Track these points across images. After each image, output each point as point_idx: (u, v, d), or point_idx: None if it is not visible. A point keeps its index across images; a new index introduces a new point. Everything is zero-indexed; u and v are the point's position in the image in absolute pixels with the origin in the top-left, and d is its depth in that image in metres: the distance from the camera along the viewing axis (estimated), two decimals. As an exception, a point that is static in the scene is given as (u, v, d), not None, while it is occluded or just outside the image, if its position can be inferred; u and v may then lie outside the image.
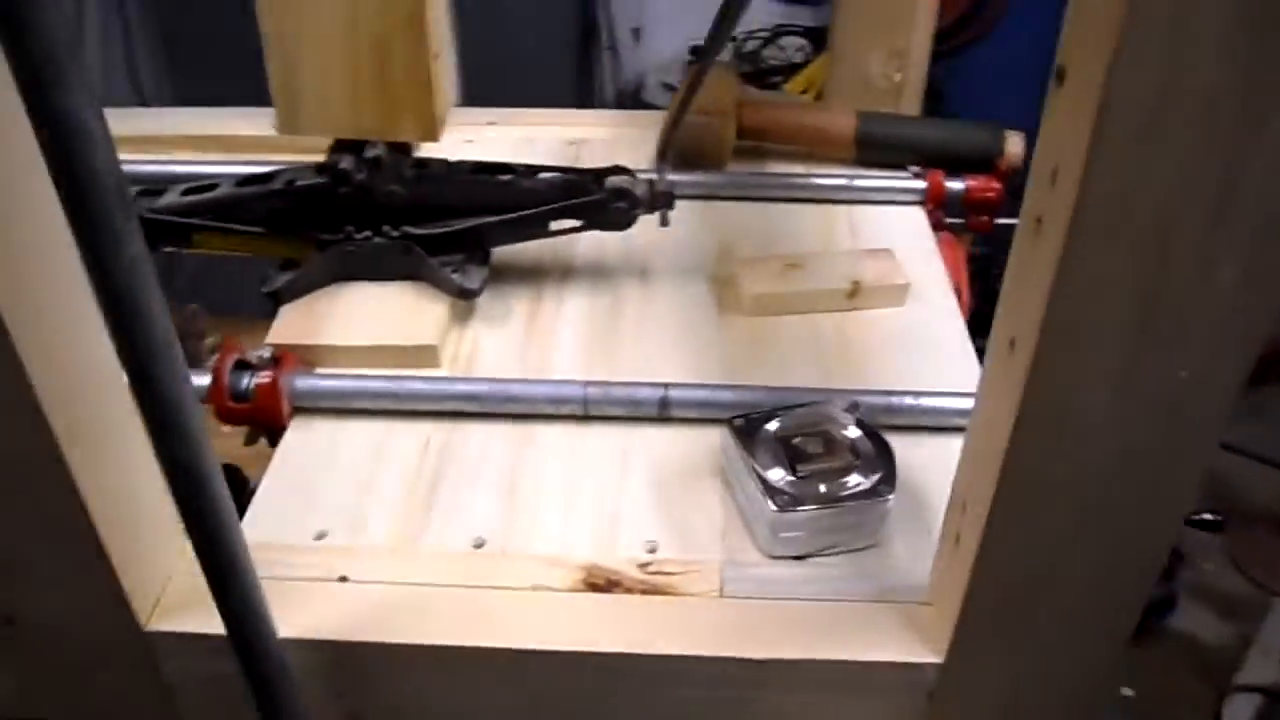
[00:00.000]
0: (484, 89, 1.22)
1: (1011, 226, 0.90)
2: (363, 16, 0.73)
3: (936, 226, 0.98)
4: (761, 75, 2.32)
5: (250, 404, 0.74)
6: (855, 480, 0.64)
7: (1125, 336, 0.46)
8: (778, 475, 0.64)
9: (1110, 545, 0.53)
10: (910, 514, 0.67)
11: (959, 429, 0.70)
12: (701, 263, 0.91)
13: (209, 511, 0.50)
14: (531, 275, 0.89)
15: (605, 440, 0.73)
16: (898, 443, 0.71)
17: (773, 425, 0.67)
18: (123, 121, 1.13)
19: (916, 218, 0.97)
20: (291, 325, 0.80)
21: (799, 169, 1.02)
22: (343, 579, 0.63)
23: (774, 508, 0.62)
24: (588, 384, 0.74)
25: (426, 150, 0.89)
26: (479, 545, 0.66)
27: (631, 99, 2.43)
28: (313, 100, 0.77)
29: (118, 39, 2.38)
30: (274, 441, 0.75)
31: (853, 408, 0.69)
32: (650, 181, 0.83)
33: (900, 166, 1.02)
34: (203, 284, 1.38)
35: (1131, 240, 0.43)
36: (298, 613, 0.61)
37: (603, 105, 2.48)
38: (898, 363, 0.80)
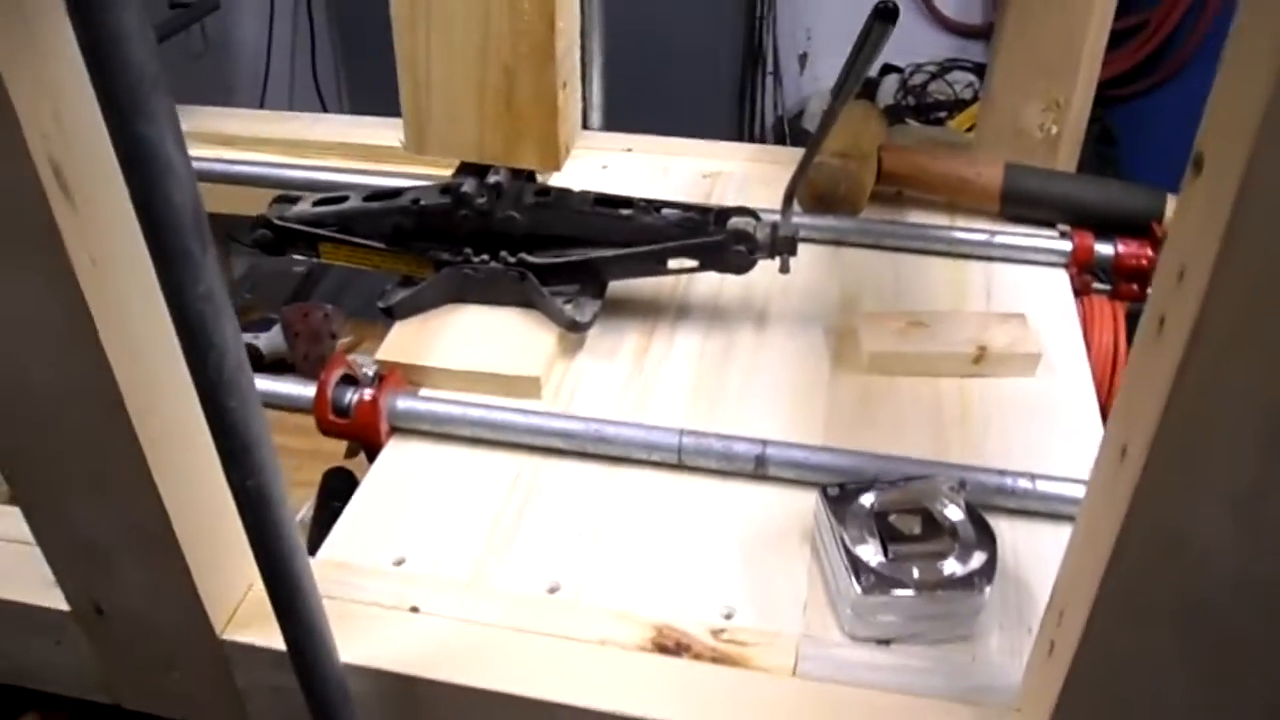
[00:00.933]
0: (642, 109, 1.21)
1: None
2: (493, 45, 0.73)
3: (1081, 291, 0.92)
4: (926, 110, 2.25)
5: (350, 420, 0.74)
6: (951, 567, 0.60)
7: (1252, 454, 0.41)
8: (868, 553, 0.61)
9: (1229, 681, 0.48)
10: (1012, 607, 0.63)
11: (1075, 520, 0.65)
12: (823, 312, 0.87)
13: (274, 537, 0.50)
14: (645, 311, 0.87)
15: (696, 492, 0.71)
16: (1009, 528, 0.67)
17: (869, 498, 0.63)
18: (275, 124, 1.17)
19: (1058, 281, 0.91)
20: (401, 343, 0.81)
21: (939, 220, 0.98)
22: (414, 609, 0.63)
23: (859, 588, 0.59)
24: (684, 433, 0.72)
25: (556, 178, 0.89)
26: (553, 590, 0.64)
27: (791, 126, 2.40)
28: (440, 122, 0.77)
29: (305, 50, 2.50)
30: (372, 458, 0.76)
31: (959, 487, 0.65)
32: (774, 225, 0.80)
33: (1049, 224, 0.97)
34: (346, 287, 1.43)
35: (1263, 347, 0.39)
36: (364, 640, 0.61)
37: (762, 130, 2.46)
38: (1019, 439, 0.75)
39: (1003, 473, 0.68)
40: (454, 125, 0.77)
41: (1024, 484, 0.68)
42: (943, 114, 2.22)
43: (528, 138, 0.77)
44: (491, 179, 0.79)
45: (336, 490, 0.80)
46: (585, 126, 1.13)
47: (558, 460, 0.73)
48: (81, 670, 0.67)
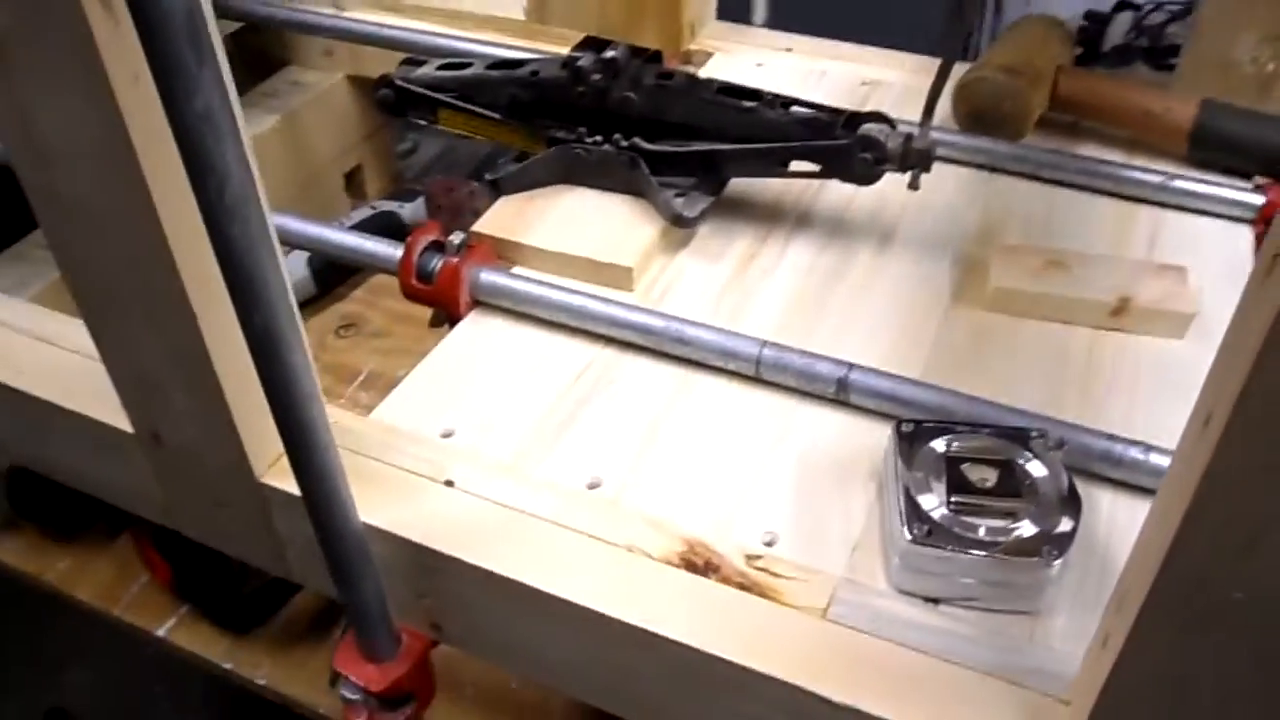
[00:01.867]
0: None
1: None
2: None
3: (1268, 255, 0.80)
4: (1160, 55, 2.04)
5: (432, 287, 0.73)
6: (1022, 531, 0.53)
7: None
8: (929, 500, 0.54)
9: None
10: (1091, 587, 0.55)
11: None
12: (957, 239, 0.79)
13: (284, 381, 0.48)
14: (764, 214, 0.81)
15: (768, 408, 0.66)
16: (1110, 501, 0.60)
17: (944, 440, 0.57)
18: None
19: (1240, 238, 0.80)
20: (501, 218, 0.78)
21: (1115, 157, 0.87)
22: (448, 483, 0.61)
23: (909, 536, 0.53)
24: (765, 344, 0.66)
25: (704, 70, 0.83)
26: (593, 486, 0.61)
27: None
28: (562, -8, 0.73)
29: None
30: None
31: (1056, 445, 0.57)
32: (908, 136, 0.73)
33: (1244, 174, 0.85)
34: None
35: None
36: (393, 505, 0.59)
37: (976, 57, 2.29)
38: (1146, 408, 0.66)
39: (1112, 438, 0.60)
40: (576, -5, 0.73)
41: (1135, 454, 0.60)
42: (1175, 60, 2.01)
43: (649, 13, 0.72)
44: (608, 54, 0.75)
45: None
46: (748, 22, 1.06)
47: (634, 356, 0.70)
48: (147, 493, 0.69)
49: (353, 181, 1.28)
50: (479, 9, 1.11)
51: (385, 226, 1.19)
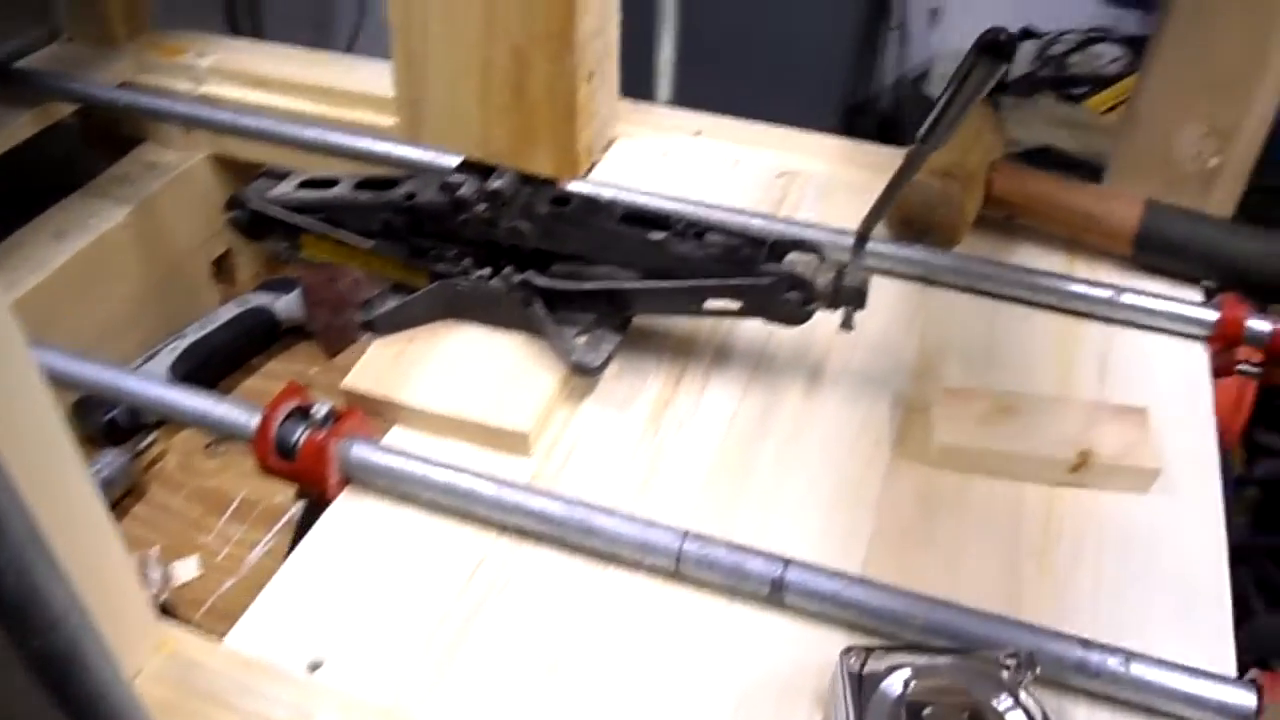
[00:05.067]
0: (755, 58, 1.04)
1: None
2: (500, 20, 0.58)
3: (1222, 371, 0.74)
4: (1063, 84, 2.01)
5: (294, 464, 0.62)
6: (998, 797, 0.45)
7: None
8: (890, 760, 0.46)
9: None
10: (1076, 840, 0.48)
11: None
12: (893, 373, 0.71)
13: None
14: (677, 348, 0.72)
15: (693, 615, 0.56)
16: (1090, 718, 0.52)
17: (899, 680, 0.48)
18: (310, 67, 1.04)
19: (1195, 359, 0.73)
20: (376, 368, 0.68)
21: (1054, 262, 0.80)
22: (317, 738, 0.51)
23: (868, 814, 0.44)
24: (687, 536, 0.57)
25: (602, 163, 0.74)
26: (491, 737, 0.51)
27: (912, 87, 2.18)
28: (438, 107, 0.63)
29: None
30: (318, 513, 0.63)
31: (1025, 665, 0.49)
32: (839, 270, 0.64)
33: (1191, 280, 0.79)
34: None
35: None
36: (245, 779, 0.49)
37: (879, 88, 2.24)
38: (1115, 583, 0.59)
39: (1087, 645, 0.52)
40: (454, 114, 0.63)
41: (1113, 664, 0.52)
42: (1082, 90, 1.97)
43: (541, 137, 0.62)
44: (494, 184, 0.65)
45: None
46: (652, 99, 0.97)
47: (534, 546, 0.60)
48: None
49: (222, 268, 1.16)
50: (355, 86, 1.00)
51: (256, 325, 1.08)
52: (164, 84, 1.04)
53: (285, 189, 0.73)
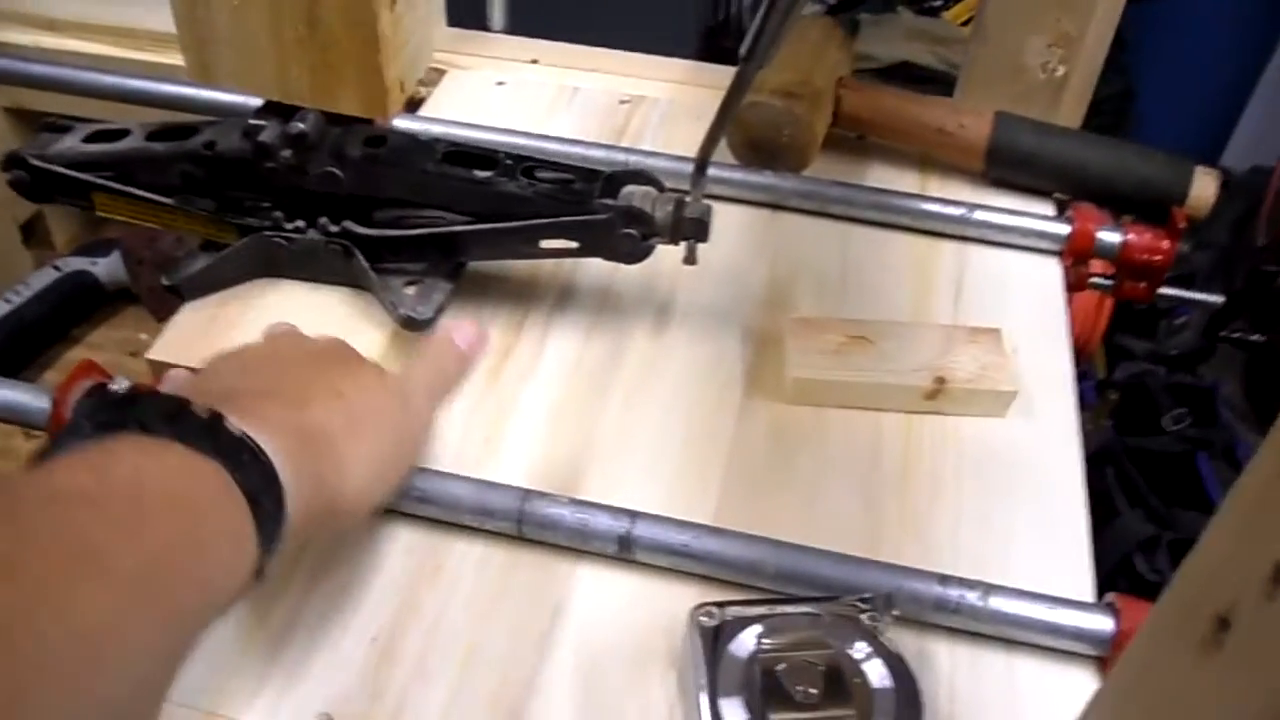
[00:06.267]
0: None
1: (1179, 300, 0.64)
2: (284, -59, 0.52)
3: (1075, 286, 0.73)
4: (917, -1, 2.00)
5: (93, 450, 0.56)
6: (856, 750, 0.43)
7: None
8: (736, 717, 0.43)
9: None
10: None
11: (1046, 650, 0.49)
12: (744, 304, 0.68)
13: None
14: (515, 297, 0.68)
15: (536, 579, 0.53)
16: (948, 654, 0.50)
17: (751, 635, 0.46)
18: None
19: (1049, 274, 0.72)
20: (185, 338, 0.62)
21: (906, 181, 0.78)
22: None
23: (720, 781, 0.42)
24: (528, 494, 0.53)
25: (434, 96, 0.68)
26: (321, 727, 0.47)
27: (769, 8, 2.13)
28: (227, 48, 0.56)
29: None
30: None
31: (883, 606, 0.47)
32: (677, 202, 0.60)
33: (1043, 193, 0.77)
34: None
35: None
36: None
37: (739, 6, 2.19)
38: (974, 511, 0.57)
39: (945, 580, 0.51)
40: (244, 50, 0.56)
41: (972, 598, 0.50)
42: (938, 3, 1.96)
43: (343, 73, 0.56)
44: (295, 126, 0.59)
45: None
46: (485, 28, 0.91)
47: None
48: None
49: (33, 233, 1.06)
50: (159, 26, 0.92)
51: (77, 291, 0.99)
52: (-59, 28, 0.93)
53: (70, 143, 0.66)
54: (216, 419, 0.37)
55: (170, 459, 0.35)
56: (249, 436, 0.37)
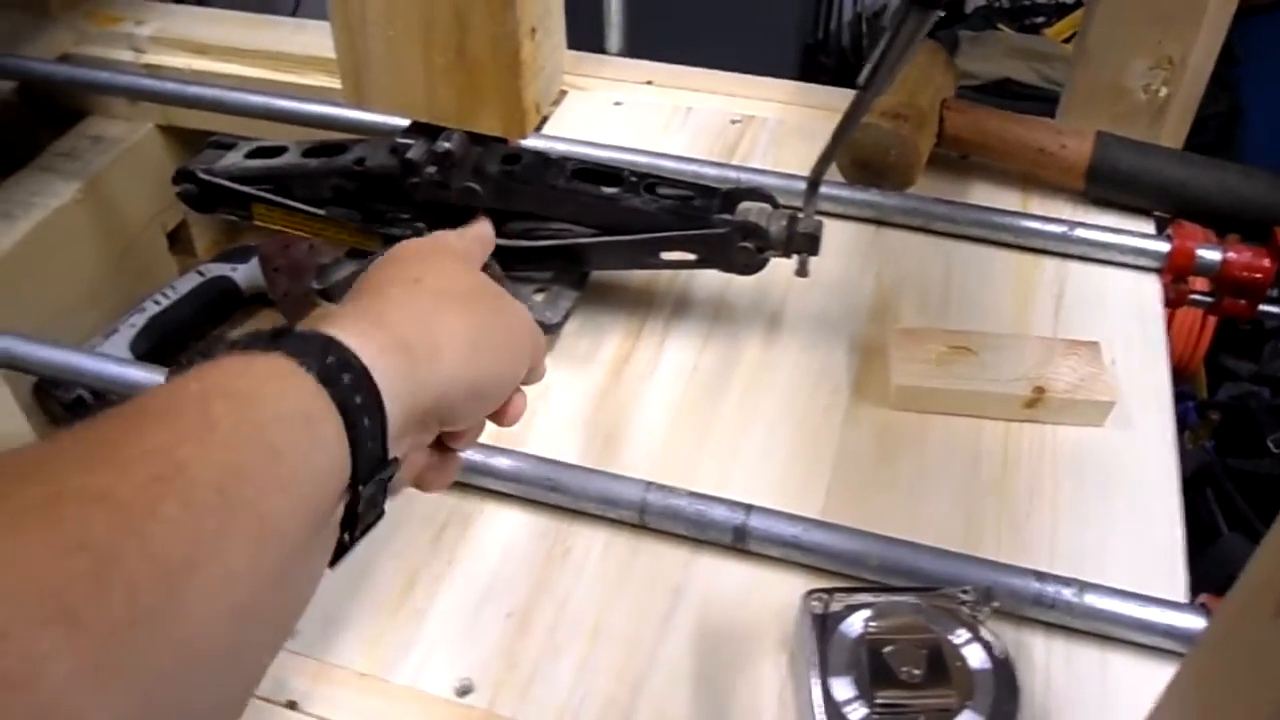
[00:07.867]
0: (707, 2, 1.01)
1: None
2: (438, -22, 0.57)
3: (1175, 302, 0.75)
4: (1021, 14, 2.00)
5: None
6: (957, 728, 0.46)
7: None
8: (846, 694, 0.47)
9: None
10: (1035, 766, 0.49)
11: (1138, 646, 0.52)
12: (850, 316, 0.72)
13: None
14: (635, 302, 0.72)
15: (657, 565, 0.57)
16: (1044, 649, 0.53)
17: (859, 620, 0.49)
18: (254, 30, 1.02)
19: (1148, 291, 0.74)
20: (334, 335, 0.68)
21: (1009, 199, 0.81)
22: (291, 705, 0.51)
23: (830, 750, 0.45)
24: (650, 486, 0.58)
25: (555, 116, 0.73)
26: (463, 693, 0.52)
27: (870, 26, 2.17)
28: (380, 70, 0.62)
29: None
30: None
31: (983, 600, 0.50)
32: (791, 218, 0.64)
33: (1144, 212, 0.79)
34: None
35: None
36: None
37: (838, 28, 2.22)
38: (1072, 515, 0.60)
39: (1041, 577, 0.54)
40: (397, 76, 0.62)
41: (1068, 595, 0.53)
42: (1040, 19, 1.97)
43: (486, 96, 0.61)
44: (442, 145, 0.64)
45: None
46: (603, 51, 0.96)
47: (496, 505, 0.60)
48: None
49: (178, 239, 1.15)
50: (301, 49, 0.99)
51: (218, 295, 1.07)
52: (105, 55, 1.02)
53: (234, 159, 0.72)
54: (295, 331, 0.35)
55: (239, 365, 0.33)
56: (322, 333, 0.35)
